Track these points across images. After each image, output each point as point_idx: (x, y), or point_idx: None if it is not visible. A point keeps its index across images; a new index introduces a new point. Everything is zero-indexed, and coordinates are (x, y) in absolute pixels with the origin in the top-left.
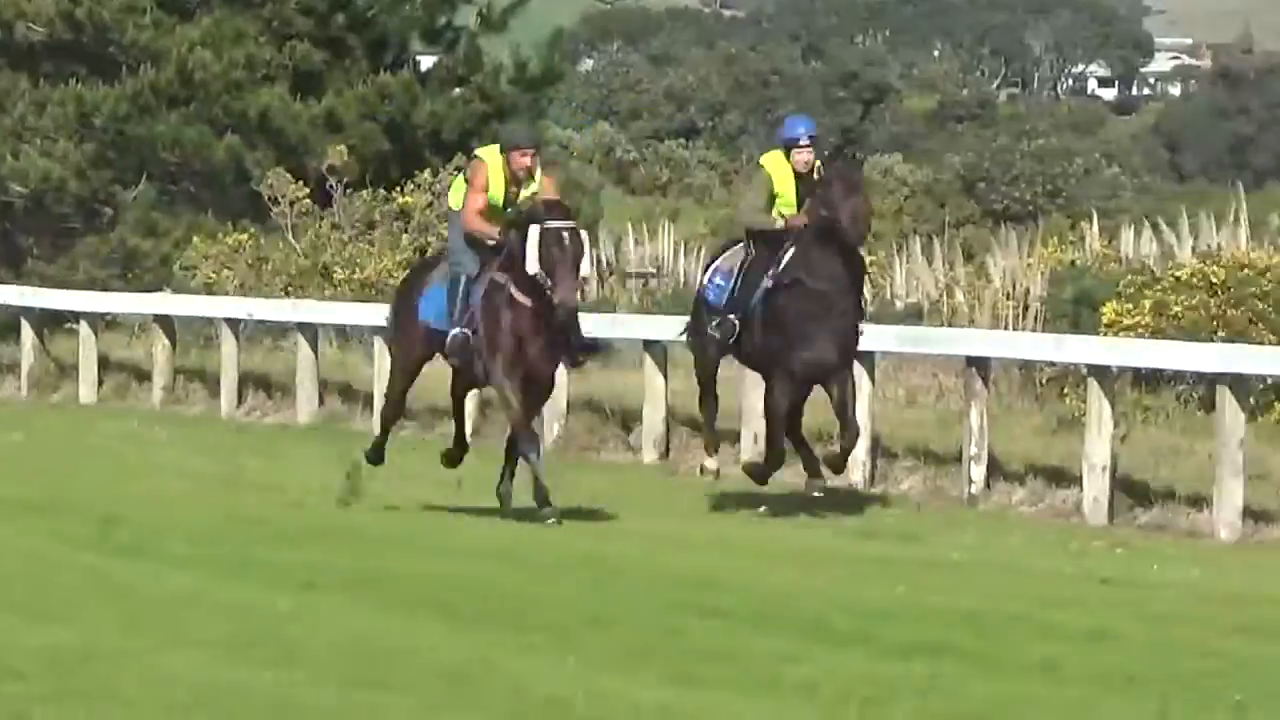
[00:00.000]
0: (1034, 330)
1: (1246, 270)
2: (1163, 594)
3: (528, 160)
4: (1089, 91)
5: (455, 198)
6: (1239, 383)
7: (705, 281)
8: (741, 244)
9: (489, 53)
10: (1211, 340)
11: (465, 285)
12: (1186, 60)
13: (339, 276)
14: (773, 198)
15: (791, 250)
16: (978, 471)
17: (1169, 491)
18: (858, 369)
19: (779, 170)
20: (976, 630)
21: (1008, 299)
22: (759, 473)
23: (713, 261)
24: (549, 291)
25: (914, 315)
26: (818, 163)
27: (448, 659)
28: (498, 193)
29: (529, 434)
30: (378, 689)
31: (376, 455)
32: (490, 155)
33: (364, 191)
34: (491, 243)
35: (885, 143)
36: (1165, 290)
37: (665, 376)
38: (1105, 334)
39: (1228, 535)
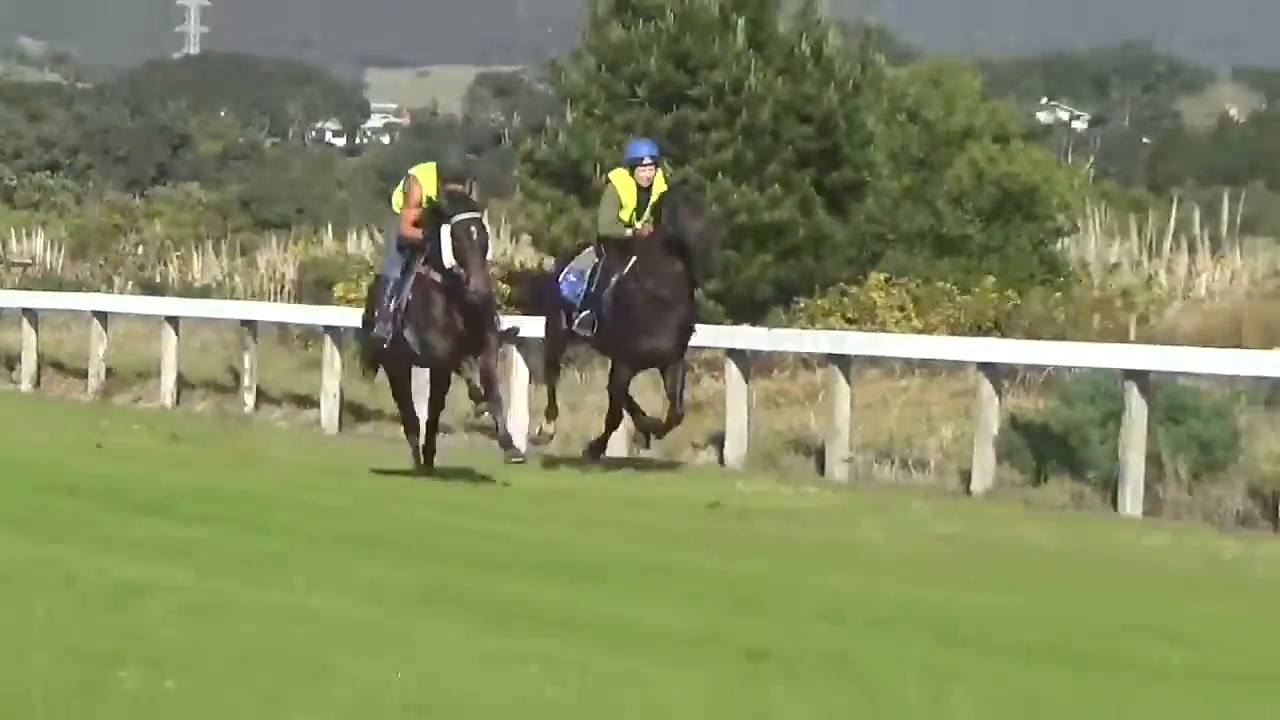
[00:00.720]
0: (289, 302)
1: None
2: (375, 481)
3: (461, 187)
4: (327, 140)
5: (397, 201)
6: None
7: (560, 279)
8: (589, 248)
9: None
10: None
11: (392, 287)
12: (393, 119)
13: None
14: (620, 207)
15: (636, 258)
16: (250, 397)
17: (380, 412)
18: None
19: (624, 184)
20: (249, 505)
21: (270, 281)
22: (597, 448)
23: (566, 263)
24: (464, 282)
25: (204, 292)
26: (659, 178)
27: None
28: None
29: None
30: None
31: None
32: (425, 175)
33: None
34: (420, 239)
35: (188, 174)
36: None
37: (36, 332)
38: (338, 304)
39: (522, 447)
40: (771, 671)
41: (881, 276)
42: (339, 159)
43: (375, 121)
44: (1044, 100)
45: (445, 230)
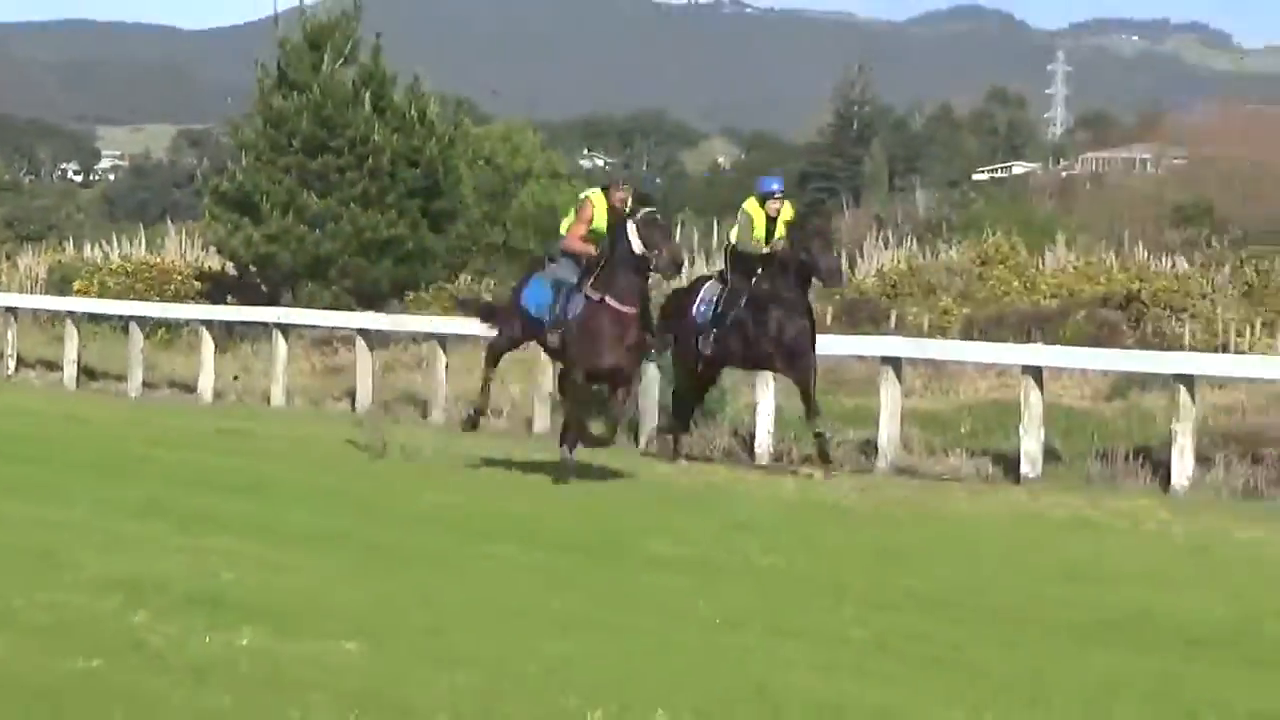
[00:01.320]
0: (41, 294)
1: (146, 264)
2: (108, 422)
3: (624, 194)
4: (69, 177)
5: (566, 223)
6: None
7: (693, 311)
8: (713, 279)
9: None
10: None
11: (566, 291)
12: (117, 162)
13: None
14: (753, 229)
15: (763, 280)
16: (12, 363)
17: (171, 381)
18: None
19: (756, 213)
20: (11, 441)
21: (28, 278)
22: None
23: (696, 293)
24: (653, 265)
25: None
26: (786, 208)
27: None
28: (601, 223)
29: (576, 426)
30: None
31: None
32: (596, 196)
33: None
34: (592, 254)
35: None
36: (106, 274)
37: None
38: (76, 295)
39: (209, 400)
40: (383, 562)
41: (467, 277)
42: (78, 191)
43: (105, 164)
44: (585, 150)
45: (630, 225)
